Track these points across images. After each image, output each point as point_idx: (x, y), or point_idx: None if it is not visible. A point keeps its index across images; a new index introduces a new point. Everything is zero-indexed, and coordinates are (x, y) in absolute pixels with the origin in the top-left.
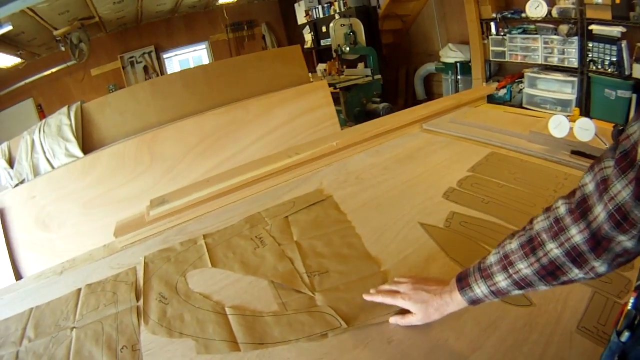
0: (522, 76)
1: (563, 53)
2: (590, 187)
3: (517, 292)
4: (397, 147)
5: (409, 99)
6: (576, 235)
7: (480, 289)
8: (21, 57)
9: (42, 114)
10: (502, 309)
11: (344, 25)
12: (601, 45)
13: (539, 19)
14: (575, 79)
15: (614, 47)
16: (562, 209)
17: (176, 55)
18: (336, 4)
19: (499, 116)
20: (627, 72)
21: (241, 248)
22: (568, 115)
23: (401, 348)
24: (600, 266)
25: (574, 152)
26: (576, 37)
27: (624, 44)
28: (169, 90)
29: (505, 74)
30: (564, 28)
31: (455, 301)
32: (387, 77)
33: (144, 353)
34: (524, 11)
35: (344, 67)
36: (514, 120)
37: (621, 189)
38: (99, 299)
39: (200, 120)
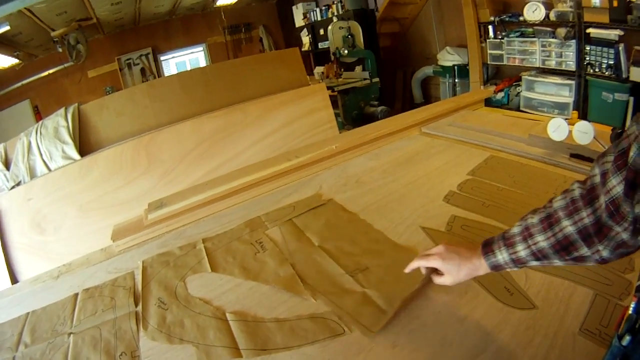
0: (519, 79)
1: (561, 56)
2: (597, 178)
3: (534, 263)
4: (396, 150)
5: (406, 103)
6: (585, 218)
7: (502, 256)
8: (18, 58)
9: (39, 115)
10: (505, 312)
11: (342, 28)
12: (599, 48)
13: (536, 22)
14: (572, 82)
15: (612, 50)
16: (576, 192)
17: (173, 57)
18: (334, 6)
19: (497, 119)
20: (624, 75)
21: (241, 253)
22: (567, 119)
23: (405, 352)
24: (603, 250)
25: (573, 155)
26: (574, 41)
27: (621, 47)
28: (167, 92)
29: (502, 77)
30: (561, 31)
31: (483, 265)
32: (384, 81)
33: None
34: (521, 14)
35: (342, 70)
36: (512, 124)
37: (616, 184)
38: (97, 304)
39: (199, 123)
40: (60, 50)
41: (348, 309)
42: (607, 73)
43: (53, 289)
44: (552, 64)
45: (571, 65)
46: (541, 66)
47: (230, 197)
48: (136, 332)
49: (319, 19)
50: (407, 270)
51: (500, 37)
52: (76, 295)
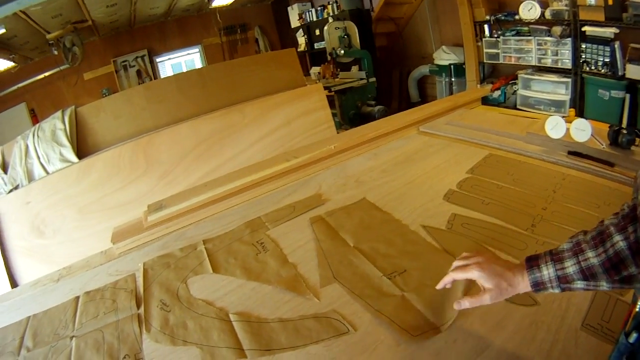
0: (516, 78)
1: (557, 54)
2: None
3: (580, 283)
4: (394, 149)
5: (403, 102)
6: (631, 235)
7: (548, 271)
8: (14, 61)
9: (35, 118)
10: (508, 309)
11: (338, 28)
12: (594, 46)
13: (532, 21)
14: (569, 80)
15: (607, 48)
16: (626, 210)
17: (169, 59)
18: (330, 7)
19: (494, 118)
20: (620, 73)
21: (242, 253)
22: (564, 116)
23: (410, 350)
24: None
25: (570, 153)
26: (569, 39)
27: (617, 44)
28: (164, 94)
29: (499, 75)
30: (557, 29)
31: (525, 281)
32: (381, 80)
33: None
34: (517, 13)
35: (339, 70)
36: (510, 122)
37: None
38: (99, 306)
39: (196, 124)
40: (55, 52)
41: (387, 313)
42: (603, 71)
43: (54, 292)
44: (548, 62)
45: (567, 63)
46: (537, 64)
47: (230, 198)
48: (139, 334)
49: (315, 19)
50: (439, 286)
51: (496, 35)
52: (77, 298)
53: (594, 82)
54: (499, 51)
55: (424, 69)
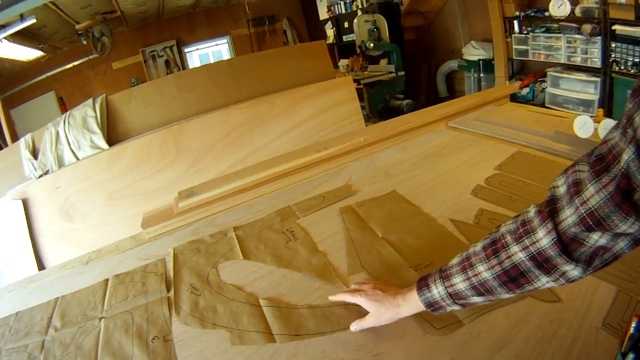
0: (544, 75)
1: (586, 53)
2: (562, 189)
3: (476, 299)
4: (424, 143)
5: (431, 96)
6: (543, 238)
7: (437, 289)
8: (43, 51)
9: (64, 106)
10: (531, 305)
11: (367, 21)
12: (624, 45)
13: (562, 18)
14: (598, 79)
15: (637, 48)
16: (531, 212)
17: (197, 49)
18: (359, 0)
19: (523, 115)
20: None
21: (273, 241)
22: (592, 116)
23: (436, 339)
24: (572, 270)
25: None
26: (599, 37)
27: None
28: (195, 83)
29: (527, 72)
30: (587, 27)
31: (407, 303)
32: (408, 74)
33: (177, 344)
34: (547, 10)
35: (367, 63)
36: (538, 120)
37: (594, 193)
38: (128, 289)
39: (226, 113)
40: (84, 42)
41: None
42: (632, 71)
43: (83, 274)
44: (577, 60)
45: (596, 62)
46: (566, 62)
47: (260, 186)
48: (168, 317)
49: (344, 11)
50: (331, 298)
51: (525, 32)
52: (106, 280)
53: (623, 82)
54: (528, 48)
55: (453, 64)
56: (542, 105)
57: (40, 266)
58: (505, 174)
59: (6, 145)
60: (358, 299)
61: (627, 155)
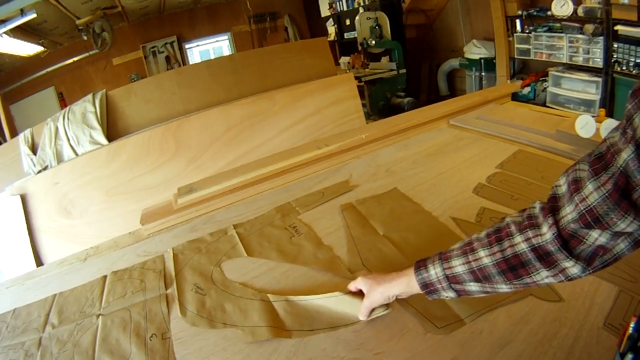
0: (546, 75)
1: (588, 53)
2: (563, 188)
3: (473, 285)
4: (425, 141)
5: (432, 95)
6: (546, 232)
7: (435, 270)
8: (43, 46)
9: (64, 102)
10: (532, 304)
11: (369, 18)
12: (626, 46)
13: (564, 18)
14: (599, 79)
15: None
16: (537, 207)
17: (198, 46)
18: None
19: (525, 114)
20: None
21: (276, 237)
22: (594, 116)
23: (437, 338)
24: (572, 267)
25: None
26: (602, 37)
27: None
28: (195, 79)
29: (529, 72)
30: (589, 27)
31: (401, 280)
32: (410, 72)
33: (175, 341)
34: (549, 9)
35: (369, 60)
36: (539, 119)
37: (593, 190)
38: (126, 286)
39: (227, 110)
40: (85, 38)
41: (413, 303)
42: (634, 72)
43: (81, 271)
44: (579, 60)
45: (598, 62)
46: (568, 62)
47: (260, 183)
48: (167, 314)
49: (345, 9)
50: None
51: (527, 31)
52: (105, 277)
53: (625, 82)
54: (530, 47)
55: (454, 62)
56: (543, 104)
57: (39, 262)
58: (506, 172)
59: (5, 140)
60: (356, 281)
61: (626, 154)
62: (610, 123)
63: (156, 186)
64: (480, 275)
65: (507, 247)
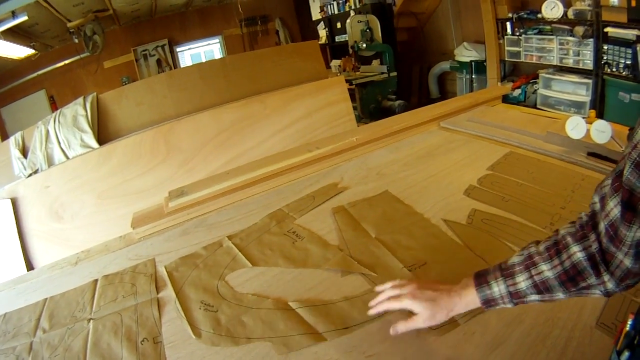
0: (536, 77)
1: (578, 55)
2: (598, 205)
3: (534, 297)
4: (416, 144)
5: (422, 97)
6: (593, 243)
7: (498, 288)
8: (34, 49)
9: (55, 105)
10: (525, 305)
11: (360, 21)
12: (616, 47)
13: (554, 20)
14: (589, 81)
15: (629, 50)
16: (583, 218)
17: (189, 49)
18: (351, 0)
19: (515, 116)
20: None
21: (277, 244)
22: (584, 117)
23: (429, 342)
24: (608, 282)
25: (590, 154)
26: (592, 39)
27: (639, 47)
28: (186, 82)
29: (519, 74)
30: (579, 30)
31: (464, 300)
32: (401, 75)
33: (166, 346)
34: (540, 12)
35: (360, 63)
36: (530, 121)
37: (613, 207)
38: (117, 290)
39: (218, 113)
40: (76, 41)
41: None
42: (624, 73)
43: (72, 275)
44: (569, 62)
45: (588, 64)
46: (559, 64)
47: (252, 186)
48: (158, 318)
49: (336, 12)
50: (371, 312)
51: (518, 34)
52: (95, 281)
53: (614, 84)
54: (521, 49)
55: (445, 65)
56: (534, 106)
57: (29, 266)
58: (497, 174)
59: None
60: (405, 302)
61: (626, 169)
62: (601, 124)
63: (147, 190)
64: (542, 288)
65: (565, 259)
